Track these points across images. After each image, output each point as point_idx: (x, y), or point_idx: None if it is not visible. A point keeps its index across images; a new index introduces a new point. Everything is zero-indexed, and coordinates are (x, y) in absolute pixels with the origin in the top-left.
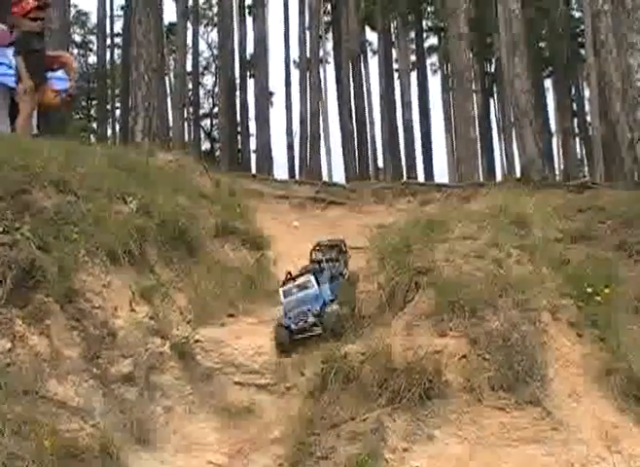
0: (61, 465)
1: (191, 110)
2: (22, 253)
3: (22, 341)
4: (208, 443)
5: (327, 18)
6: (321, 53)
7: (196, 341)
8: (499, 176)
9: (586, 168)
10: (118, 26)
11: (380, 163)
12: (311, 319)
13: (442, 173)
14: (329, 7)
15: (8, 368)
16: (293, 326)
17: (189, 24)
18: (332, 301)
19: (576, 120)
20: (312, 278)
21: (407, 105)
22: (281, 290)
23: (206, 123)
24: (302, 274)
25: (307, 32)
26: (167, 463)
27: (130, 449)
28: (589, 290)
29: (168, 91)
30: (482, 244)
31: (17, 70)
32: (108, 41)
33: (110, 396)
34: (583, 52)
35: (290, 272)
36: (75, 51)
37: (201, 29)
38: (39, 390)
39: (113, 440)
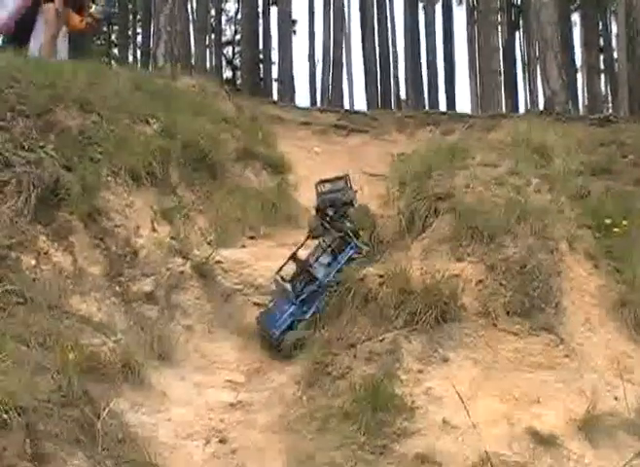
0: (85, 377)
1: (213, 37)
2: (47, 171)
3: (47, 257)
4: (227, 361)
5: None
6: None
7: (217, 261)
8: (522, 110)
9: (611, 105)
10: None
11: (403, 94)
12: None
13: (464, 107)
14: None
15: (33, 283)
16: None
17: None
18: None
19: (602, 56)
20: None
21: (431, 36)
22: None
23: (228, 50)
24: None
25: None
26: (187, 380)
27: (151, 365)
28: (608, 222)
29: (191, 17)
30: (503, 172)
31: None
32: None
33: (131, 314)
34: None
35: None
36: None
37: None
38: (63, 306)
39: (134, 355)
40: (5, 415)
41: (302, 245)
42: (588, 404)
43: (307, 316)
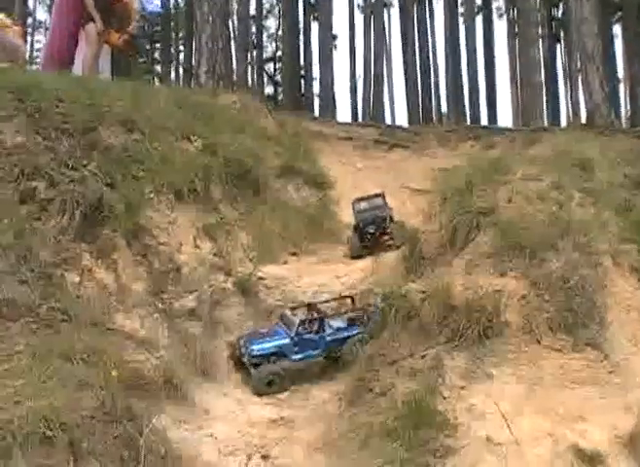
0: (128, 394)
1: (254, 53)
2: (90, 189)
3: (90, 274)
4: None
5: None
6: None
7: (259, 278)
8: (564, 123)
9: None
10: None
11: (444, 109)
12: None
13: (505, 120)
14: None
15: (77, 300)
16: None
17: None
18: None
19: None
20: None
21: (471, 50)
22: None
23: (269, 66)
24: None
25: None
26: (229, 396)
27: (193, 381)
28: None
29: (232, 35)
30: (545, 186)
31: (85, 10)
32: None
33: (174, 330)
34: None
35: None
36: None
37: None
38: (106, 322)
39: (177, 372)
40: (49, 432)
41: (322, 302)
42: (634, 420)
43: (295, 359)
